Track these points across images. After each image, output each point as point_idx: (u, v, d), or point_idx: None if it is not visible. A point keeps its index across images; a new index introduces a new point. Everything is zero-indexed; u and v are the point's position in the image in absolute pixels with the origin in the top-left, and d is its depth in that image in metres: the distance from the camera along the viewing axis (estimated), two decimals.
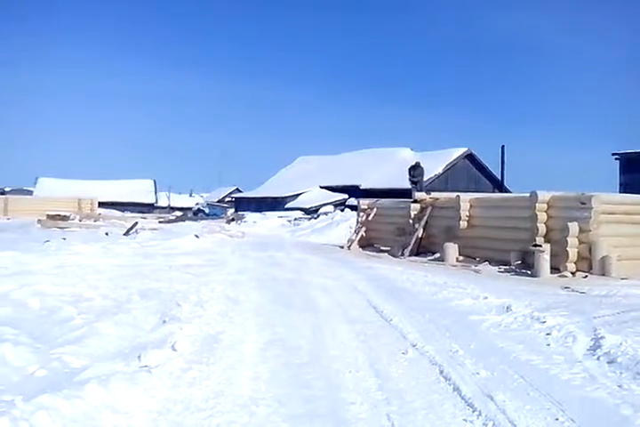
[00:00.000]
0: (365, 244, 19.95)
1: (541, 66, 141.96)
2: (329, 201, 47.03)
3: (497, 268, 13.08)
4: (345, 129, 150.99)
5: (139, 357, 4.99)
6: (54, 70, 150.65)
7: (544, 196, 12.81)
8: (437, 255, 15.44)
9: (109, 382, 4.22)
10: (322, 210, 42.27)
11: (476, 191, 24.26)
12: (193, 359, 5.17)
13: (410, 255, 16.25)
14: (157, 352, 5.14)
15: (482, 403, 4.14)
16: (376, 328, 6.62)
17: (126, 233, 22.23)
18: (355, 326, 6.74)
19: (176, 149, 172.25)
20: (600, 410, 4.08)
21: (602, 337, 5.80)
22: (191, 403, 4.10)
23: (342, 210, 37.19)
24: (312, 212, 42.41)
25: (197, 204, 77.50)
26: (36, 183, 63.28)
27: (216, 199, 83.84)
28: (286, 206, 47.95)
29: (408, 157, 45.82)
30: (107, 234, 21.64)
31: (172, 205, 74.56)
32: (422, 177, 20.42)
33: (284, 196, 50.73)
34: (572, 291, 9.63)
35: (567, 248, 11.83)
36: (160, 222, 32.51)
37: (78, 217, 32.65)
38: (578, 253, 11.88)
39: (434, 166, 41.85)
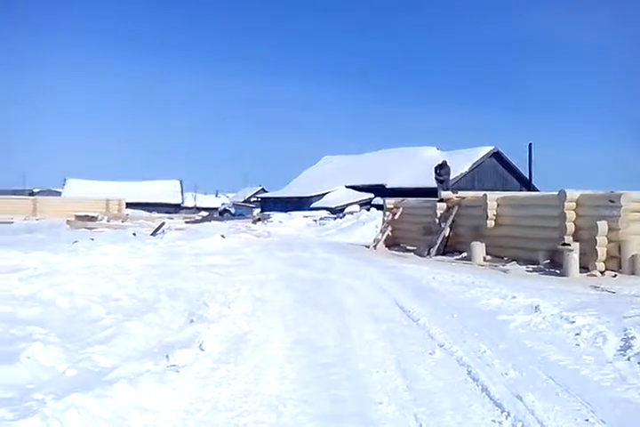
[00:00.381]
0: (391, 243, 19.88)
1: (570, 61, 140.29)
2: (354, 200, 46.95)
3: (525, 267, 12.93)
4: (370, 128, 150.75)
5: (167, 356, 5.02)
6: (80, 72, 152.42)
7: (573, 194, 12.66)
8: (464, 255, 15.32)
9: (138, 381, 4.26)
10: (347, 209, 42.21)
11: (504, 190, 24.09)
12: (220, 359, 5.19)
13: (436, 255, 16.15)
14: (185, 352, 5.17)
15: (511, 404, 4.10)
16: (403, 328, 6.60)
17: (153, 233, 22.38)
18: (381, 325, 6.72)
19: (202, 149, 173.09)
20: (631, 411, 4.02)
21: (632, 337, 5.73)
22: (219, 402, 4.12)
23: (368, 209, 37.10)
24: (338, 211, 42.36)
25: (223, 204, 77.93)
26: (64, 184, 64.03)
27: (242, 199, 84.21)
28: (312, 206, 47.97)
29: (434, 155, 45.54)
30: (134, 234, 21.80)
31: (198, 205, 74.98)
32: (449, 176, 20.30)
33: (309, 195, 50.73)
34: (602, 290, 9.50)
35: (596, 247, 11.67)
36: (186, 223, 32.70)
37: (106, 218, 32.98)
38: (607, 251, 11.73)
39: (460, 165, 41.55)
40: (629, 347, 5.50)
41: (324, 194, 50.34)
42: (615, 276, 11.34)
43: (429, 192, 22.71)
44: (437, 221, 17.31)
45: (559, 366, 5.08)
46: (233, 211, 64.12)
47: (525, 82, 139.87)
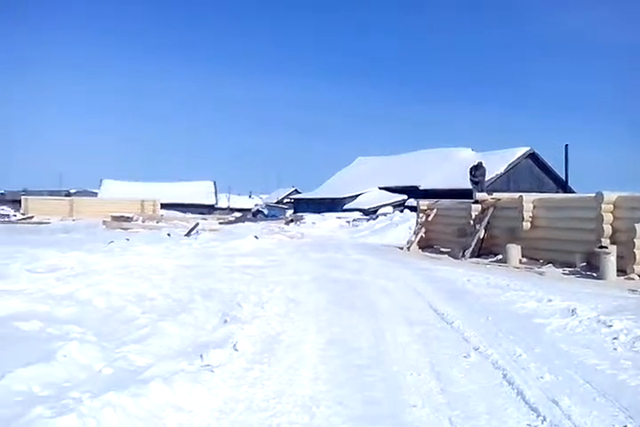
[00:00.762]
0: (425, 245, 19.79)
1: (606, 62, 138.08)
2: (388, 202, 46.82)
3: (561, 270, 12.77)
4: (404, 129, 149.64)
5: (201, 356, 5.05)
6: (111, 75, 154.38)
7: (610, 196, 12.47)
8: (499, 257, 15.18)
9: (173, 380, 4.29)
10: (381, 211, 42.12)
11: (540, 192, 23.82)
12: (254, 359, 5.21)
13: (471, 257, 16.03)
14: (219, 352, 5.19)
15: (546, 408, 4.04)
16: (437, 331, 6.55)
17: (187, 234, 22.58)
18: (415, 328, 6.68)
19: (236, 150, 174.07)
20: None
21: None
22: (253, 403, 4.13)
23: (401, 211, 36.98)
24: (371, 213, 42.30)
25: (256, 205, 78.22)
26: (100, 185, 64.89)
27: (275, 200, 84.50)
28: (345, 207, 47.97)
29: (468, 156, 45.23)
30: (169, 235, 22.02)
31: (231, 206, 75.40)
32: (484, 177, 20.15)
33: (342, 197, 50.73)
34: None
35: (634, 250, 11.49)
36: (220, 223, 33.00)
37: (141, 218, 33.42)
38: None
39: (495, 166, 41.17)
40: None
41: (358, 195, 50.28)
42: None
43: (464, 194, 22.56)
44: (472, 222, 17.18)
45: (596, 371, 5.00)
46: (266, 212, 64.34)
47: (563, 82, 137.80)
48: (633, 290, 9.70)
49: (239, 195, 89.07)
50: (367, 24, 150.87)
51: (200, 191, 64.12)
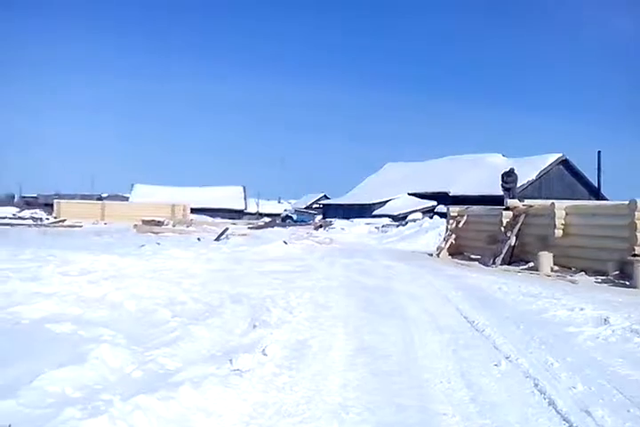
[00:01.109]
0: (455, 252, 19.65)
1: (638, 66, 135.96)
2: (417, 208, 46.71)
3: (593, 278, 12.59)
4: (433, 135, 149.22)
5: (230, 360, 5.06)
6: (146, 79, 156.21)
7: None
8: (531, 264, 15.01)
9: (202, 384, 4.30)
10: (410, 217, 41.98)
11: (572, 199, 23.51)
12: (283, 364, 5.20)
13: (502, 264, 15.87)
14: (248, 356, 5.20)
15: (579, 418, 3.98)
16: (467, 338, 6.49)
17: (217, 239, 22.71)
18: (445, 335, 6.62)
19: (265, 155, 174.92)
20: None
21: None
22: (282, 408, 4.12)
23: (431, 217, 36.78)
24: (400, 219, 42.20)
25: (285, 210, 78.57)
26: (131, 189, 65.62)
27: (304, 206, 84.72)
28: (374, 213, 47.95)
29: (499, 162, 45.00)
30: (199, 239, 22.18)
31: (260, 211, 75.67)
32: (516, 184, 20.00)
33: (371, 202, 50.73)
34: None
35: None
36: (249, 228, 33.15)
37: (172, 222, 33.67)
38: None
39: (527, 173, 40.86)
40: None
41: (387, 201, 50.27)
42: None
43: (494, 200, 22.42)
44: (503, 229, 17.02)
45: (629, 381, 4.91)
46: (295, 217, 64.59)
47: (596, 88, 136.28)
48: None
49: (268, 200, 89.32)
50: (394, 28, 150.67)
51: (230, 196, 64.54)
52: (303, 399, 4.31)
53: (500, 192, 19.83)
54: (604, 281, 12.20)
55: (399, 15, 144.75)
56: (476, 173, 47.33)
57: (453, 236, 20.05)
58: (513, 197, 18.54)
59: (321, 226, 39.70)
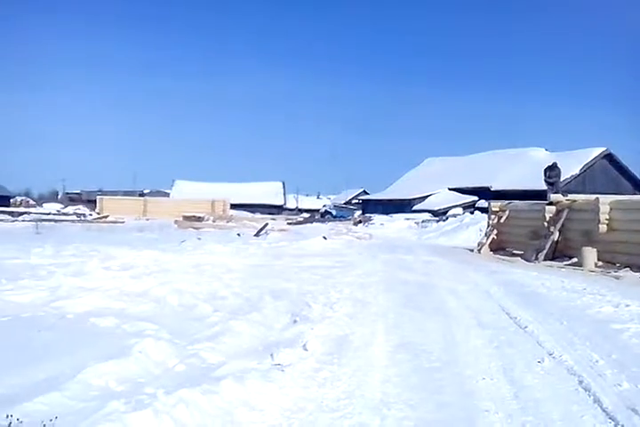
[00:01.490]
0: (497, 247, 19.42)
1: None
2: (458, 203, 46.34)
3: (639, 274, 12.33)
4: (474, 129, 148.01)
5: (271, 355, 5.09)
6: (187, 77, 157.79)
7: None
8: (574, 260, 14.75)
9: (244, 378, 4.34)
10: (450, 212, 41.69)
11: (616, 193, 22.98)
12: (324, 360, 5.21)
13: (544, 260, 15.63)
14: (289, 351, 5.22)
15: (625, 416, 3.91)
16: (509, 335, 6.41)
17: (257, 234, 22.82)
18: (487, 331, 6.55)
19: (304, 151, 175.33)
20: None
21: None
22: (323, 403, 4.13)
23: (472, 212, 36.38)
24: (440, 214, 41.92)
25: (324, 206, 78.54)
26: (172, 185, 66.36)
27: (343, 201, 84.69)
28: (413, 208, 47.70)
29: (542, 157, 44.41)
30: (238, 235, 22.31)
31: (299, 206, 76.00)
32: (559, 178, 19.65)
33: (411, 198, 50.49)
34: None
35: None
36: (289, 224, 33.24)
37: (212, 218, 33.95)
38: None
39: (570, 167, 40.11)
40: None
41: (427, 196, 49.97)
42: None
43: (537, 195, 22.14)
44: (546, 224, 16.75)
45: None
46: (334, 213, 64.52)
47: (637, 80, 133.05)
48: None
49: (307, 195, 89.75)
50: (440, 25, 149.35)
51: (269, 192, 64.82)
52: (344, 395, 4.31)
53: (543, 187, 19.55)
54: None
55: (435, 10, 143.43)
56: (518, 167, 46.75)
57: (495, 231, 19.82)
58: (556, 192, 18.22)
59: (360, 221, 39.62)
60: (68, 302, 7.09)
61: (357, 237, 24.10)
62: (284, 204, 66.70)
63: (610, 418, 3.92)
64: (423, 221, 35.72)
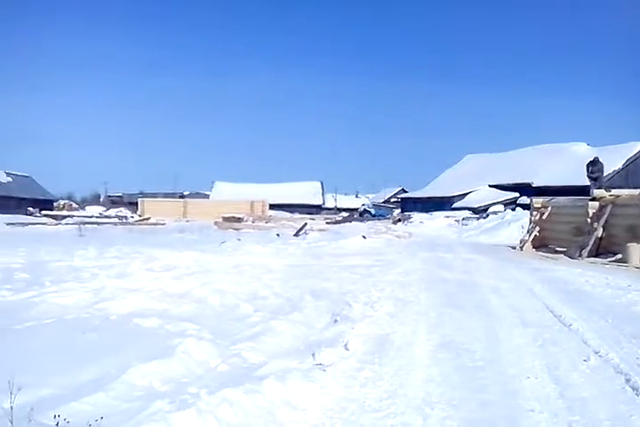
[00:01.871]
0: (539, 244, 19.14)
1: None
2: (498, 200, 45.84)
3: None
4: (514, 125, 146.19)
5: (313, 355, 5.09)
6: (229, 79, 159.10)
7: None
8: (619, 256, 14.46)
9: (286, 378, 4.35)
10: (491, 209, 41.28)
11: None
12: (365, 359, 5.19)
13: (588, 256, 15.36)
14: (330, 351, 5.22)
15: None
16: (554, 333, 6.30)
17: (296, 234, 22.89)
18: (530, 329, 6.45)
19: (342, 150, 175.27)
20: None
21: None
22: (365, 403, 4.11)
23: (513, 209, 35.99)
24: (481, 211, 41.54)
25: (363, 205, 78.39)
26: (212, 187, 66.97)
27: (381, 200, 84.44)
28: (453, 206, 47.35)
29: (584, 152, 43.68)
30: (278, 235, 22.41)
31: (338, 206, 76.03)
32: (602, 173, 19.30)
33: (450, 195, 50.10)
34: None
35: None
36: (327, 223, 33.25)
37: (251, 219, 34.16)
38: None
39: (612, 161, 39.33)
40: None
41: (467, 194, 49.54)
42: None
43: (579, 190, 21.74)
44: (589, 220, 16.45)
45: None
46: (373, 211, 64.36)
47: None
48: None
49: (346, 195, 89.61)
50: (472, 21, 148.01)
51: (307, 192, 65.01)
52: (386, 394, 4.29)
53: (585, 182, 19.22)
54: None
55: (478, 7, 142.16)
56: (560, 162, 46.07)
57: (537, 228, 19.54)
58: (599, 187, 17.89)
59: (399, 220, 39.51)
60: (112, 303, 7.20)
61: (397, 236, 24.01)
62: (323, 203, 66.84)
63: None
64: (463, 219, 35.42)
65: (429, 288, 9.56)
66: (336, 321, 6.66)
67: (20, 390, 3.41)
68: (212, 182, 67.77)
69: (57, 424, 3.20)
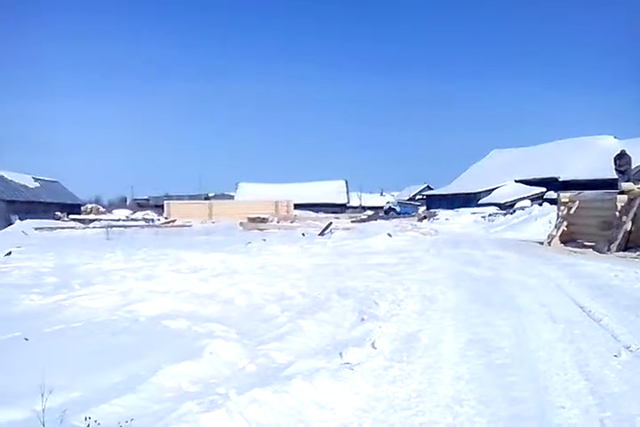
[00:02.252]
0: (567, 239, 18.92)
1: None
2: (525, 195, 45.43)
3: None
4: (541, 119, 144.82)
5: (340, 354, 5.09)
6: (245, 80, 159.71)
7: None
8: None
9: (314, 378, 4.35)
10: (518, 205, 40.86)
11: None
12: (393, 358, 5.18)
13: (617, 251, 15.15)
14: (358, 350, 5.21)
15: None
16: (583, 328, 6.23)
17: (321, 233, 22.91)
18: (560, 325, 6.38)
19: (366, 148, 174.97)
20: None
21: None
22: (394, 401, 4.10)
23: (540, 204, 35.59)
24: (507, 207, 41.20)
25: (388, 202, 78.31)
26: (236, 188, 67.22)
27: (406, 197, 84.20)
28: (479, 202, 47.04)
29: (611, 145, 43.11)
30: (303, 235, 22.45)
31: (363, 204, 75.87)
32: (630, 166, 19.06)
33: (476, 191, 49.77)
34: None
35: None
36: (352, 222, 33.19)
37: (276, 219, 34.24)
38: None
39: None
40: None
41: (493, 189, 49.18)
42: None
43: (607, 184, 21.54)
44: (618, 214, 16.22)
45: None
46: (398, 209, 64.24)
47: None
48: None
49: (370, 193, 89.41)
50: (500, 18, 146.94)
51: (332, 191, 64.92)
52: (415, 393, 4.28)
53: (613, 175, 19.02)
54: None
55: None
56: (587, 156, 45.53)
57: (565, 223, 19.31)
58: (627, 180, 17.67)
59: (425, 217, 39.32)
60: (140, 305, 7.27)
61: (422, 233, 23.91)
62: (348, 202, 66.69)
63: None
64: (490, 215, 35.14)
65: (456, 285, 9.51)
66: (363, 320, 6.66)
67: (50, 392, 3.47)
68: (237, 184, 68.02)
69: (88, 426, 3.23)
